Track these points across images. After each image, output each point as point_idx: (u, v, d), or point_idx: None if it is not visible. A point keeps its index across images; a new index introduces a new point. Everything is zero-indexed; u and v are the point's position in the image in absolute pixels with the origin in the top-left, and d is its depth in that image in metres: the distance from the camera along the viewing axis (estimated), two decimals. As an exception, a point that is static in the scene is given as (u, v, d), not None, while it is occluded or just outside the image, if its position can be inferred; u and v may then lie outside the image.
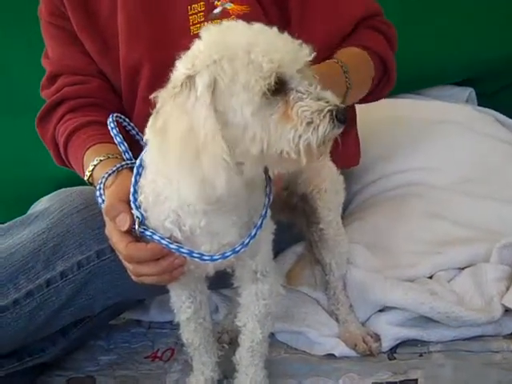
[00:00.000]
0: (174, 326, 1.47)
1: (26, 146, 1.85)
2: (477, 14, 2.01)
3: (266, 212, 1.05)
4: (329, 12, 1.34)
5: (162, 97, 0.94)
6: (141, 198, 1.04)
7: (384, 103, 1.75)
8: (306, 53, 0.94)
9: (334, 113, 0.91)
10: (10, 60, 1.98)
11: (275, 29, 0.95)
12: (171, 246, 1.03)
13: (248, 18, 1.27)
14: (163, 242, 1.03)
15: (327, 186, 1.28)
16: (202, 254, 1.03)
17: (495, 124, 1.90)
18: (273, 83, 0.90)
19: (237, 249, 1.03)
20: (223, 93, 0.91)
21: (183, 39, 1.30)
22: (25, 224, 1.27)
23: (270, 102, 0.91)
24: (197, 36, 1.29)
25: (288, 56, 0.92)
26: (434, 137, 1.75)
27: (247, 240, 1.03)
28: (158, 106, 0.95)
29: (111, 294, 1.30)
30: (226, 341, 1.37)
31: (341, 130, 0.93)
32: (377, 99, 1.45)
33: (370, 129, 1.69)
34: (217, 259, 1.03)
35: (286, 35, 0.95)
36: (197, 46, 0.95)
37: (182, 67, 0.94)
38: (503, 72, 2.05)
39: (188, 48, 1.29)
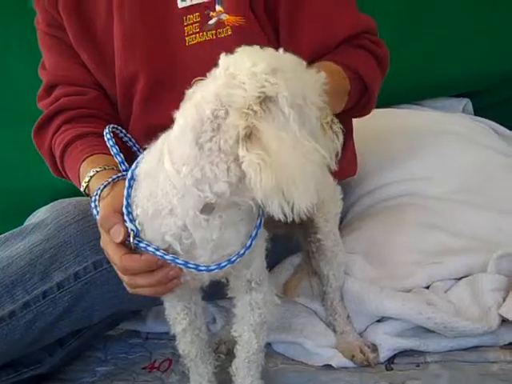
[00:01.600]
0: (171, 337, 1.45)
1: (23, 156, 1.85)
2: (476, 28, 2.03)
3: (260, 222, 1.05)
4: (317, 26, 1.33)
5: (233, 119, 0.92)
6: (137, 211, 1.04)
7: (380, 113, 1.77)
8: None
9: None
10: (7, 70, 1.99)
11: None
12: (166, 257, 1.02)
13: (243, 28, 1.29)
14: (158, 253, 1.03)
15: (326, 197, 1.29)
16: (198, 265, 1.03)
17: (492, 134, 1.91)
18: None
19: (233, 259, 1.03)
20: (299, 112, 0.94)
21: (178, 50, 1.32)
22: (21, 235, 1.27)
23: None
24: (192, 47, 1.31)
25: None
26: (430, 147, 1.75)
27: (243, 250, 1.03)
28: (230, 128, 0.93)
29: (108, 305, 1.30)
30: (224, 351, 1.37)
31: None
32: (360, 116, 1.45)
33: (367, 139, 1.69)
34: (213, 269, 1.03)
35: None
36: (246, 67, 0.94)
37: (249, 89, 0.92)
38: (500, 87, 2.06)
39: (184, 60, 1.30)
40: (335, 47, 1.34)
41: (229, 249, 1.04)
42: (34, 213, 1.35)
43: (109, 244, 1.07)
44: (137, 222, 1.04)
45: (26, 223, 1.33)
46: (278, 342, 1.37)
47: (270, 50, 0.98)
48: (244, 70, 0.93)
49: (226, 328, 1.41)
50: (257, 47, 0.98)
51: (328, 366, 1.31)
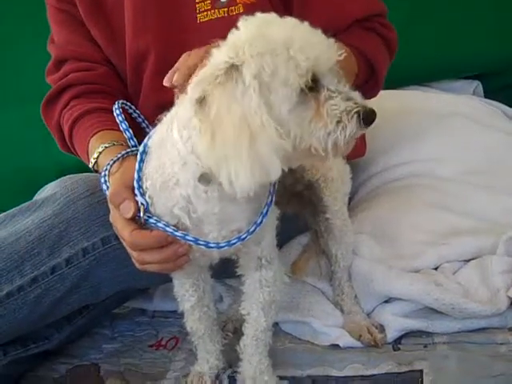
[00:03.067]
0: (177, 315, 1.46)
1: (31, 134, 1.85)
2: (487, 11, 2.01)
3: (271, 200, 1.04)
4: (328, 7, 1.32)
5: (202, 83, 0.92)
6: (146, 184, 1.03)
7: (390, 94, 1.76)
8: (336, 50, 0.96)
9: (362, 114, 0.94)
10: (14, 47, 1.98)
11: (307, 24, 0.96)
12: (176, 233, 1.02)
13: (255, 6, 1.28)
14: (168, 229, 1.02)
15: (334, 175, 1.28)
16: (208, 242, 1.02)
17: (502, 117, 1.89)
18: (309, 80, 0.92)
19: (243, 236, 1.03)
20: (263, 87, 0.91)
21: (190, 27, 1.31)
22: (30, 210, 1.27)
23: (304, 99, 0.93)
24: (204, 24, 1.30)
25: (322, 54, 0.93)
26: (440, 128, 1.74)
27: (253, 228, 1.03)
28: (193, 91, 0.93)
29: (116, 282, 1.30)
30: (231, 330, 1.37)
31: (365, 130, 0.96)
32: (365, 98, 1.44)
33: (377, 120, 1.68)
34: (223, 247, 1.03)
35: (319, 32, 0.96)
36: (237, 37, 0.94)
37: (223, 55, 0.93)
38: (510, 69, 2.04)
39: (195, 37, 1.29)
40: (345, 27, 1.34)
41: (234, 224, 1.03)
42: (43, 188, 1.35)
43: (118, 219, 1.06)
44: (147, 195, 1.03)
45: (34, 198, 1.32)
46: (285, 322, 1.36)
47: (284, 21, 0.96)
48: (231, 38, 0.95)
49: (233, 307, 1.42)
50: (274, 16, 0.97)
51: (335, 346, 1.31)
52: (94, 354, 1.40)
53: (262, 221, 1.03)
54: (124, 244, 1.10)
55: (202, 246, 1.03)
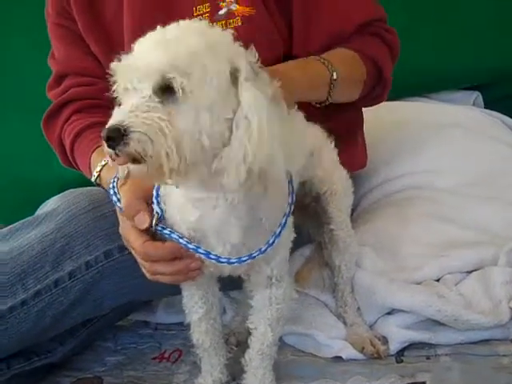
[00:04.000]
0: (181, 328, 1.48)
1: (33, 146, 1.85)
2: (487, 21, 2.02)
3: (285, 221, 1.05)
4: (332, 14, 1.34)
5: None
6: (161, 189, 1.04)
7: (390, 106, 1.76)
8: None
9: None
10: (16, 61, 1.99)
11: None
12: (189, 245, 1.03)
13: (253, 19, 1.29)
14: (181, 241, 1.03)
15: (339, 188, 1.29)
16: (219, 257, 1.03)
17: (502, 127, 1.90)
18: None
19: (253, 254, 1.03)
20: None
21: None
22: (33, 225, 1.27)
23: None
24: None
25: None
26: (440, 140, 1.75)
27: (265, 247, 1.03)
28: None
29: (119, 295, 1.30)
30: (234, 343, 1.37)
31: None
32: (373, 104, 1.45)
33: (377, 131, 1.69)
34: (233, 263, 1.03)
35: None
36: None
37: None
38: (510, 80, 2.05)
39: None
40: (350, 34, 1.35)
41: (230, 238, 1.02)
42: (45, 202, 1.36)
43: (130, 231, 1.07)
44: (162, 202, 1.04)
45: (37, 213, 1.33)
46: (288, 334, 1.36)
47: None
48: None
49: (236, 319, 1.42)
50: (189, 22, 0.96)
51: (338, 358, 1.31)
52: (97, 367, 1.39)
53: (274, 241, 1.03)
54: (136, 255, 1.10)
55: (213, 261, 1.03)
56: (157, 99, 0.88)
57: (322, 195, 1.28)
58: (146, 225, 1.04)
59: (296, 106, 1.12)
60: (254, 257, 1.03)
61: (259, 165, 0.88)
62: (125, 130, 0.85)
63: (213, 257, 1.03)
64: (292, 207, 1.06)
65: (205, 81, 0.88)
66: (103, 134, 0.87)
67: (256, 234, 1.04)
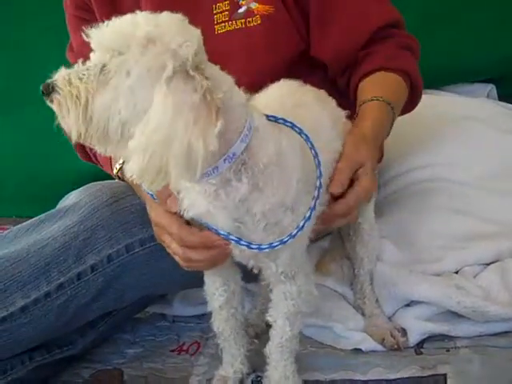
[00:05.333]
0: (198, 320, 1.49)
1: (52, 141, 1.86)
2: (502, 14, 2.01)
3: (314, 205, 1.04)
4: (350, 16, 1.34)
5: None
6: None
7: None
8: None
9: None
10: (34, 55, 1.99)
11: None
12: (221, 231, 1.03)
13: (272, 18, 1.29)
14: (213, 226, 1.04)
15: None
16: (250, 243, 1.03)
17: (517, 120, 1.90)
18: None
19: (285, 239, 1.03)
20: None
21: (207, 38, 1.31)
22: (55, 218, 1.28)
23: None
24: (221, 35, 1.31)
25: None
26: (455, 132, 1.74)
27: (295, 231, 1.03)
28: None
29: (140, 288, 1.31)
30: (252, 335, 1.37)
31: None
32: (405, 113, 1.47)
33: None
34: (264, 249, 1.03)
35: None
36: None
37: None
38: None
39: (212, 48, 1.30)
40: (369, 38, 1.35)
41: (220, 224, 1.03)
42: (67, 196, 1.37)
43: (165, 215, 1.08)
44: None
45: (59, 206, 1.34)
46: (306, 326, 1.36)
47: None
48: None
49: (254, 311, 1.42)
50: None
51: (357, 350, 1.31)
52: (116, 359, 1.41)
53: (304, 225, 1.03)
54: (168, 241, 1.11)
55: (244, 247, 1.03)
56: (100, 72, 0.93)
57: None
58: (176, 208, 1.06)
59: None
60: (286, 241, 1.03)
61: (151, 161, 0.90)
62: (52, 88, 0.92)
63: (244, 243, 1.03)
64: (321, 191, 1.06)
65: (129, 70, 0.91)
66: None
67: (254, 229, 1.03)
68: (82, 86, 0.91)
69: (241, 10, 1.31)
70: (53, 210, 1.31)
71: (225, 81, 0.97)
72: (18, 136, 2.02)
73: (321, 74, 1.39)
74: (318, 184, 1.06)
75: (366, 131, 1.21)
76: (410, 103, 1.41)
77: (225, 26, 1.32)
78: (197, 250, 1.08)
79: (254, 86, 1.13)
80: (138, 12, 0.95)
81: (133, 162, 0.90)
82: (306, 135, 1.06)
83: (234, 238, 1.03)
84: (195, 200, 1.03)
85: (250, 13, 1.30)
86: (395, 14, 1.39)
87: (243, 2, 1.31)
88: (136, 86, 0.91)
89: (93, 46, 0.94)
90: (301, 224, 1.04)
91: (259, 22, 1.30)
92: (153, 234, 1.19)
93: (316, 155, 1.06)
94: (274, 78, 1.17)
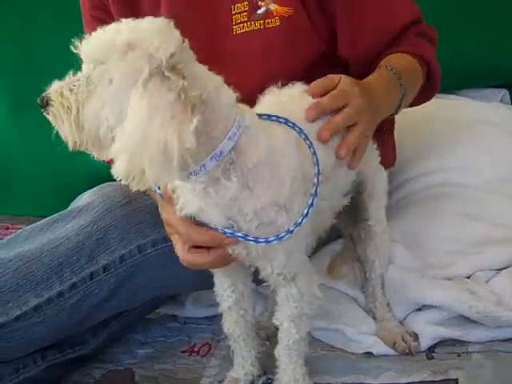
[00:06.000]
0: (209, 322, 1.49)
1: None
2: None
3: (312, 202, 1.04)
4: (377, 14, 1.34)
5: None
6: None
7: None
8: None
9: None
10: (48, 53, 2.01)
11: None
12: (227, 230, 1.03)
13: (292, 19, 1.29)
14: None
15: (381, 187, 1.32)
16: (257, 238, 1.02)
17: (530, 125, 1.89)
18: None
19: (281, 235, 1.03)
20: None
21: (226, 39, 1.32)
22: (69, 217, 1.29)
23: None
24: (239, 36, 1.32)
25: None
26: (467, 136, 1.74)
27: (292, 227, 1.03)
28: None
29: (152, 288, 1.32)
30: (263, 337, 1.37)
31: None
32: (421, 103, 1.46)
33: (405, 128, 1.68)
34: (271, 241, 1.03)
35: None
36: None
37: None
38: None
39: (230, 48, 1.31)
40: (397, 34, 1.35)
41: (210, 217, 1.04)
42: (81, 195, 1.38)
43: (173, 214, 1.08)
44: None
45: (72, 205, 1.34)
46: (317, 329, 1.36)
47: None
48: None
49: (265, 314, 1.42)
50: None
51: (368, 354, 1.31)
52: (127, 359, 1.41)
53: (301, 221, 1.03)
54: (175, 242, 1.11)
55: (252, 242, 1.03)
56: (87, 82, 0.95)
57: (365, 192, 1.29)
58: None
59: None
60: (282, 237, 1.02)
61: (132, 162, 0.91)
62: (46, 101, 0.96)
63: (251, 238, 1.02)
64: (314, 201, 1.05)
65: (111, 78, 0.93)
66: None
67: (247, 228, 1.03)
68: (72, 98, 0.95)
69: (260, 11, 1.31)
70: (66, 210, 1.32)
71: (211, 80, 0.98)
72: (31, 135, 2.03)
73: (339, 72, 1.39)
74: (315, 181, 1.05)
75: (365, 81, 1.21)
76: (428, 91, 1.41)
77: (243, 27, 1.31)
78: (200, 252, 1.08)
79: (271, 85, 1.14)
80: (122, 20, 0.97)
81: (117, 164, 0.92)
82: (301, 130, 1.06)
83: (240, 234, 1.03)
84: (188, 198, 1.04)
85: (269, 14, 1.30)
86: (418, 11, 1.40)
87: (262, 3, 1.30)
88: (118, 92, 0.93)
89: (82, 57, 0.97)
90: (299, 220, 1.03)
91: (278, 23, 1.30)
92: (165, 236, 1.19)
93: (314, 153, 1.06)
94: (292, 79, 1.17)
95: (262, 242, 1.03)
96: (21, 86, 2.04)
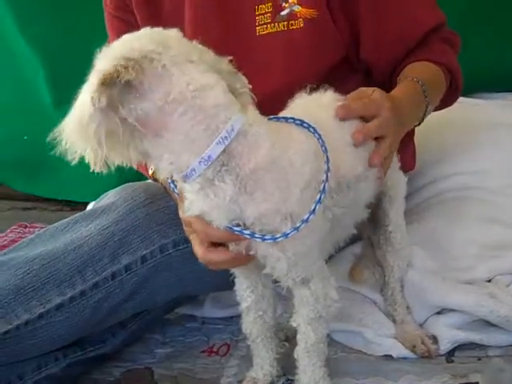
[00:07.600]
0: (227, 322, 1.50)
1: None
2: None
3: (320, 198, 1.03)
4: (401, 21, 1.34)
5: None
6: None
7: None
8: None
9: None
10: (71, 50, 2.02)
11: None
12: (235, 228, 1.03)
13: (316, 22, 1.29)
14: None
15: (401, 192, 1.32)
16: (264, 235, 1.02)
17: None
18: None
19: (287, 232, 1.02)
20: None
21: (249, 40, 1.32)
22: (91, 217, 1.30)
23: None
24: (263, 37, 1.32)
25: None
26: (487, 140, 1.73)
27: (299, 224, 1.02)
28: None
29: (172, 289, 1.33)
30: (282, 338, 1.37)
31: None
32: (444, 107, 1.47)
33: (426, 131, 1.67)
34: (277, 238, 1.02)
35: None
36: None
37: None
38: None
39: (254, 49, 1.31)
40: (421, 39, 1.36)
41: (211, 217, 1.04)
42: (104, 195, 1.39)
43: None
44: None
45: (95, 205, 1.35)
46: (336, 331, 1.37)
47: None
48: None
49: (285, 315, 1.42)
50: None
51: (387, 356, 1.31)
52: (147, 359, 1.42)
53: (308, 218, 1.02)
54: (193, 241, 1.11)
55: (259, 240, 1.02)
56: None
57: (385, 198, 1.29)
58: None
59: None
60: (288, 234, 1.01)
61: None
62: None
63: (257, 236, 1.02)
64: (317, 205, 1.03)
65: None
66: None
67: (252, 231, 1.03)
68: None
69: (283, 13, 1.31)
70: (89, 210, 1.33)
71: (201, 80, 0.97)
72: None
73: (360, 77, 1.39)
74: (324, 178, 1.04)
75: (395, 96, 1.22)
76: (451, 97, 1.42)
77: (267, 28, 1.32)
78: (218, 250, 1.08)
79: (293, 87, 1.14)
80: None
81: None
82: (315, 130, 1.06)
83: (247, 232, 1.02)
84: (192, 199, 1.04)
85: (292, 16, 1.30)
86: (441, 15, 1.40)
87: (286, 5, 1.30)
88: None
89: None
90: (305, 217, 1.02)
91: (302, 25, 1.30)
92: (186, 236, 1.20)
93: (327, 160, 1.05)
94: (314, 81, 1.17)
95: (269, 239, 1.02)
96: (66, 76, 2.06)
